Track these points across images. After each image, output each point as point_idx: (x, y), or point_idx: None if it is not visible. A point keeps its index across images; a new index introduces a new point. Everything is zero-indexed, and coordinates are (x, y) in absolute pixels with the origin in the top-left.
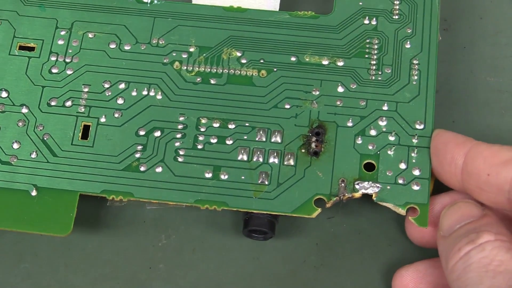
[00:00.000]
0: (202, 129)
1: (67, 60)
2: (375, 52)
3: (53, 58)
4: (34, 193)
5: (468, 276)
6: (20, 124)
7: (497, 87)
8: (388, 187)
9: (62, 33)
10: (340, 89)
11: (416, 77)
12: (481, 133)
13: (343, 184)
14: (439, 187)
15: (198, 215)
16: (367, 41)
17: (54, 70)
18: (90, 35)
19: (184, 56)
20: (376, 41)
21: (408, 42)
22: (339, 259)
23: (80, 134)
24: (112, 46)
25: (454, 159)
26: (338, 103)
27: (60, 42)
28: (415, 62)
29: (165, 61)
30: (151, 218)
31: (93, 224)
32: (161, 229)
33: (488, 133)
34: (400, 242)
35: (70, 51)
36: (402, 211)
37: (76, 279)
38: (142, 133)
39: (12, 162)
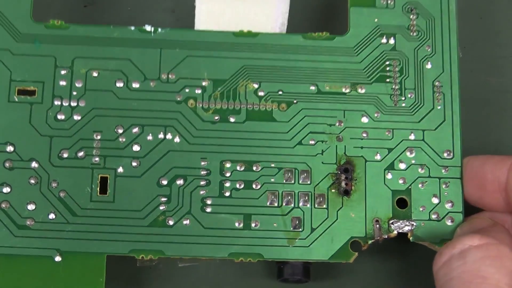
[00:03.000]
0: (227, 174)
1: (73, 104)
2: (397, 75)
3: (57, 103)
4: (58, 258)
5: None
6: (32, 181)
7: (497, 87)
8: (422, 224)
9: (63, 72)
10: (364, 120)
11: (440, 101)
12: (481, 133)
13: (378, 225)
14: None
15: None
16: (387, 63)
17: (60, 117)
18: (94, 74)
19: (198, 91)
20: (396, 63)
21: (429, 62)
22: None
23: (98, 189)
24: (119, 84)
25: (497, 177)
26: (364, 135)
27: (62, 83)
28: (437, 84)
29: (178, 99)
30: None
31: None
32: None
33: (488, 133)
34: (400, 242)
35: (74, 93)
36: (438, 248)
37: None
38: (164, 182)
39: (30, 226)
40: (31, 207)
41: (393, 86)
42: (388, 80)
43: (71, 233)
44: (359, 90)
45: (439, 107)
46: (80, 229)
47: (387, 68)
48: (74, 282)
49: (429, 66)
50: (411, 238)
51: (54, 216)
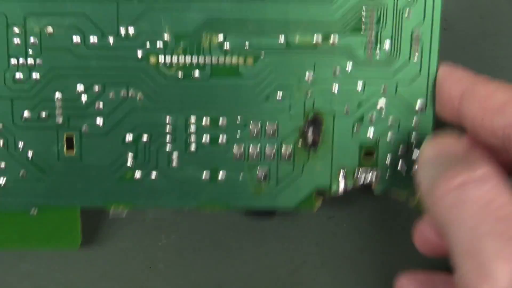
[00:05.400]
0: (192, 129)
1: (30, 63)
2: (373, 26)
3: (14, 62)
4: (33, 212)
5: (459, 213)
6: None
7: None
8: (390, 175)
9: (16, 31)
10: (336, 73)
11: (417, 53)
12: None
13: (343, 175)
14: None
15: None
16: (363, 13)
17: (19, 76)
18: (48, 30)
19: (160, 47)
20: (374, 13)
21: (408, 11)
22: (339, 259)
23: (65, 148)
24: (76, 41)
25: (451, 98)
26: (334, 89)
27: (17, 41)
28: (416, 34)
29: (139, 56)
30: (151, 218)
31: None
32: (162, 229)
33: None
34: (401, 242)
35: (30, 52)
36: (413, 199)
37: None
38: (129, 139)
39: (2, 184)
40: (1, 165)
41: (368, 38)
42: (363, 32)
43: (43, 189)
44: (331, 42)
45: (415, 61)
46: (51, 185)
47: (363, 19)
48: (53, 231)
49: (408, 15)
50: (375, 189)
51: (24, 174)
